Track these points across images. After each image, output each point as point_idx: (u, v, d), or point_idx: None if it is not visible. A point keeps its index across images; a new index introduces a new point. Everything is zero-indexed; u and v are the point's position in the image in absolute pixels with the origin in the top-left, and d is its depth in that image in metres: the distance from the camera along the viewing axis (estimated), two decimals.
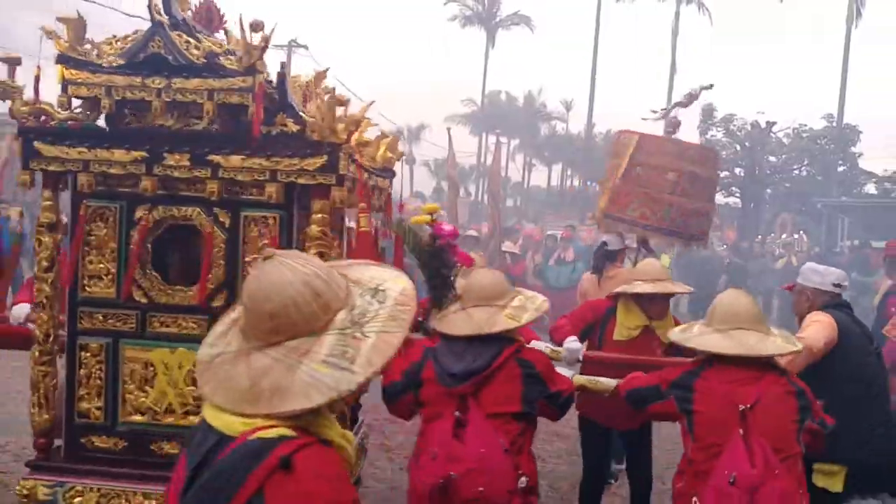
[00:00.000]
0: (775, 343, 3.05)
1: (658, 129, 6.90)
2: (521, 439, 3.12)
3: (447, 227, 3.66)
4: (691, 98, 7.29)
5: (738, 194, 29.06)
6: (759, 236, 23.91)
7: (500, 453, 2.96)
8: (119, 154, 3.24)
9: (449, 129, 15.17)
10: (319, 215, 3.31)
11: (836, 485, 3.56)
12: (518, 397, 3.15)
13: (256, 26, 3.21)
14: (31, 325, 3.58)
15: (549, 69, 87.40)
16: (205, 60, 3.24)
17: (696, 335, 3.16)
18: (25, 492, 3.24)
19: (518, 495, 2.98)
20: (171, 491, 1.55)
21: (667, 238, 6.71)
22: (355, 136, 3.56)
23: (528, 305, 3.33)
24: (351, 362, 1.45)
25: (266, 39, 3.23)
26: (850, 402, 3.56)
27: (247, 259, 3.31)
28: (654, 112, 7.17)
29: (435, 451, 2.96)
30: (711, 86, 7.34)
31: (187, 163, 3.25)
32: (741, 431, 2.80)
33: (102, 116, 3.43)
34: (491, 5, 50.35)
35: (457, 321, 3.21)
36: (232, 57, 3.29)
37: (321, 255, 3.13)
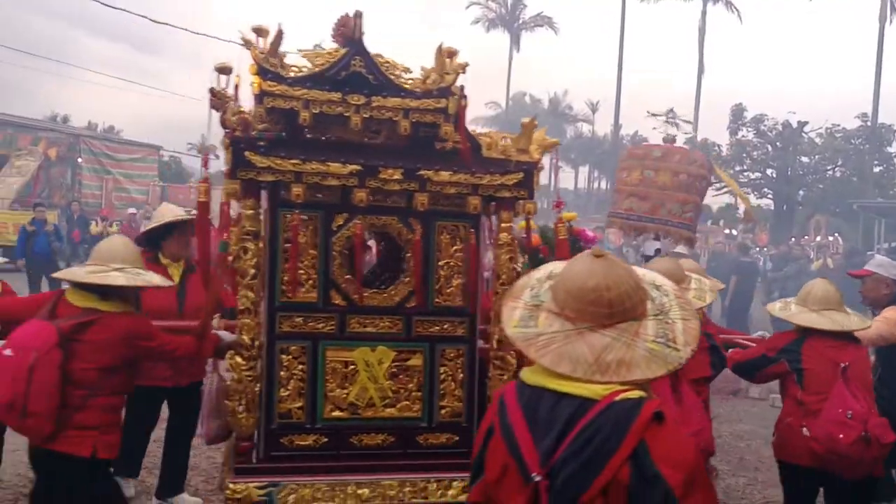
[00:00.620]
0: (855, 321, 3.95)
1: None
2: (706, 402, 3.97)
3: (590, 233, 4.48)
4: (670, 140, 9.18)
5: (770, 196, 28.71)
6: (793, 238, 23.56)
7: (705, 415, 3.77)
8: (335, 167, 3.37)
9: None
10: (508, 224, 3.68)
11: None
12: (708, 363, 3.94)
13: (451, 53, 3.55)
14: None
15: (574, 71, 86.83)
16: (403, 81, 3.54)
17: (797, 313, 4.00)
18: (238, 496, 3.27)
19: None
20: (498, 454, 1.79)
21: (654, 227, 8.19)
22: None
23: (705, 287, 4.13)
24: (673, 343, 1.79)
25: (462, 67, 3.57)
26: None
27: (440, 264, 3.62)
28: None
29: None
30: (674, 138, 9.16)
31: (399, 177, 3.44)
32: (843, 382, 3.66)
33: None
34: (514, 8, 50.28)
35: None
36: (420, 78, 3.63)
37: (510, 259, 3.64)
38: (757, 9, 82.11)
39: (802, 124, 28.01)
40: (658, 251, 7.72)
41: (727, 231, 34.25)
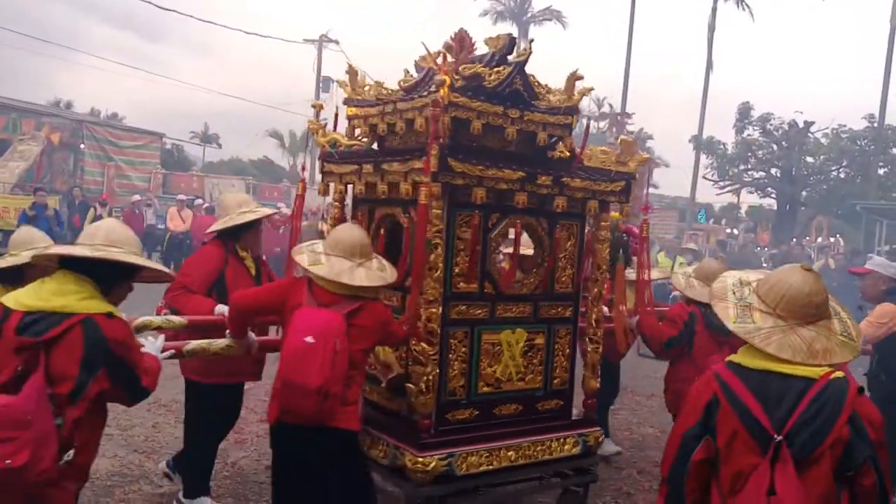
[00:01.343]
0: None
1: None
2: None
3: (635, 229, 5.32)
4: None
5: (773, 195, 28.62)
6: (794, 239, 23.51)
7: None
8: (508, 173, 3.92)
9: None
10: (606, 223, 4.46)
11: None
12: None
13: (578, 77, 4.22)
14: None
15: (582, 66, 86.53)
16: (543, 99, 4.22)
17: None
18: (426, 468, 3.72)
19: None
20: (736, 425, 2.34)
21: None
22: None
23: None
24: (852, 337, 2.45)
25: (588, 91, 4.36)
26: None
27: (559, 256, 4.34)
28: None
29: None
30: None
31: (549, 182, 4.07)
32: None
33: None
34: (523, 1, 50.07)
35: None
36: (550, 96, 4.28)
37: (606, 251, 4.48)
38: (768, 7, 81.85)
39: (809, 124, 27.91)
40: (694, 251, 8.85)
41: (728, 230, 34.25)
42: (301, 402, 3.23)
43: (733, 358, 2.48)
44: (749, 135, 28.29)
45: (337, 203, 4.60)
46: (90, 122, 27.86)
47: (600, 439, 4.51)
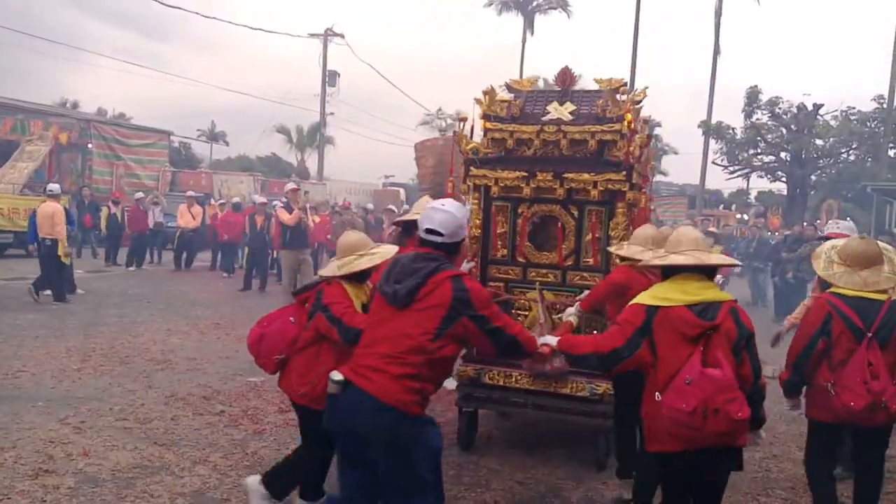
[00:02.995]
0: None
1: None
2: None
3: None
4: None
5: (783, 179, 28.43)
6: (805, 222, 23.34)
7: None
8: (545, 177, 5.31)
9: None
10: (621, 208, 5.28)
11: None
12: None
13: (621, 86, 5.41)
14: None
15: (588, 55, 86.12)
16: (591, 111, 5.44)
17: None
18: (465, 375, 5.40)
19: None
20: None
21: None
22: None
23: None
24: (894, 273, 4.09)
25: (636, 101, 5.47)
26: None
27: (586, 237, 5.43)
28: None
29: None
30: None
31: (589, 178, 5.21)
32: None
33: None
34: None
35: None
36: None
37: (624, 227, 5.26)
38: None
39: (818, 107, 27.69)
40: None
41: (739, 216, 34.07)
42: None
43: (833, 290, 4.11)
44: (758, 119, 28.08)
45: (476, 202, 5.64)
46: (98, 122, 27.92)
47: (609, 391, 5.04)
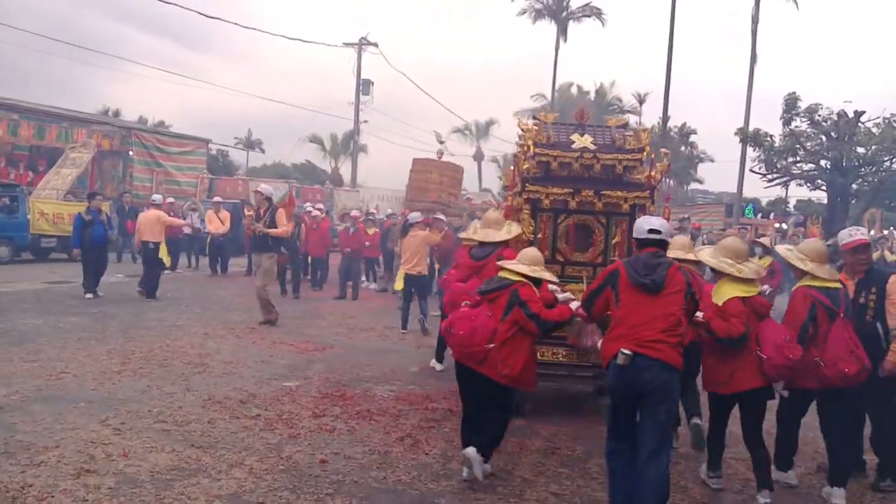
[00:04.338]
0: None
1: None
2: None
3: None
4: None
5: (823, 188, 27.93)
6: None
7: None
8: (588, 193, 6.67)
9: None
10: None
11: None
12: None
13: (642, 129, 7.11)
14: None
15: (622, 62, 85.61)
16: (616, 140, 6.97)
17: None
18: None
19: None
20: None
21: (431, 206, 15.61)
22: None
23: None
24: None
25: (650, 137, 7.08)
26: None
27: (613, 241, 6.84)
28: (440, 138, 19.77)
29: None
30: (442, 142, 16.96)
31: (621, 194, 6.66)
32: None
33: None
34: None
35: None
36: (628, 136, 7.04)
37: None
38: None
39: (859, 114, 27.12)
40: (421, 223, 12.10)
41: (777, 224, 33.53)
42: None
43: (812, 283, 5.12)
44: (797, 126, 27.59)
45: (528, 212, 6.81)
46: (138, 130, 28.42)
47: None
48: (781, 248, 5.67)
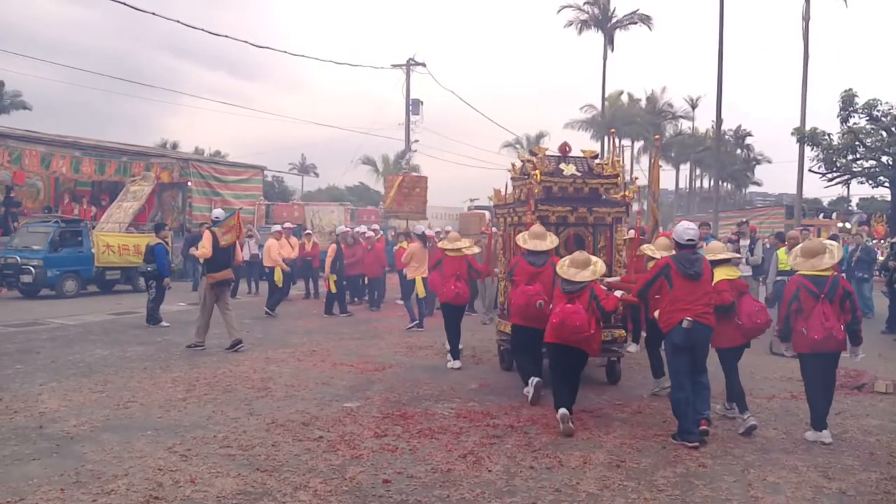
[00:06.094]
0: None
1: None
2: None
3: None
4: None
5: (886, 184, 27.05)
6: None
7: None
8: (584, 211, 8.89)
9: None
10: (620, 228, 9.19)
11: None
12: None
13: (616, 157, 9.60)
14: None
15: (672, 67, 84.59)
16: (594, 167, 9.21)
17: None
18: (505, 330, 8.92)
19: None
20: None
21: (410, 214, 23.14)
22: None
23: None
24: (833, 258, 6.64)
25: (621, 165, 9.22)
26: None
27: (600, 246, 8.99)
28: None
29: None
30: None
31: (605, 210, 8.96)
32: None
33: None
34: (607, 7, 49.42)
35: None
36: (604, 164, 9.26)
37: (624, 243, 9.50)
38: None
39: None
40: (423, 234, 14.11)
41: (840, 224, 32.56)
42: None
43: (800, 272, 6.67)
44: (855, 123, 26.84)
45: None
46: (195, 161, 29.08)
47: (623, 336, 8.84)
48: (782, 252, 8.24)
